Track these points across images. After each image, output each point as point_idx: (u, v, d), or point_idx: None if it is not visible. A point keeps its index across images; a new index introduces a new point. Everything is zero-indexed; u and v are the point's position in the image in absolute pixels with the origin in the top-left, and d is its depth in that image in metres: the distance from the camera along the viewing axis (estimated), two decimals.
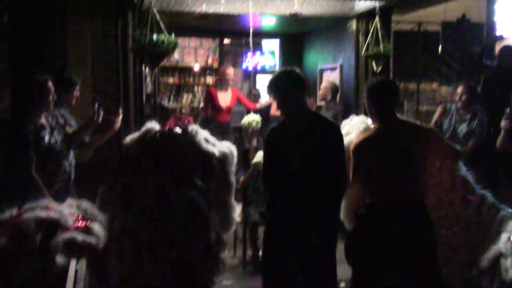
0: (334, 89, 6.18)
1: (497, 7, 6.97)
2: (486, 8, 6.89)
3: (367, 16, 6.14)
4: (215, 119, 6.65)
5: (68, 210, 2.45)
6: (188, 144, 3.18)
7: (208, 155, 3.15)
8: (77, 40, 5.14)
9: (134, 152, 3.20)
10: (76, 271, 1.67)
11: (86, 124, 4.23)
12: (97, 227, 2.36)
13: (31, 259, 2.06)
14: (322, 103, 6.41)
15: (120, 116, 4.33)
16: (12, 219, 2.29)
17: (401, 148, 3.13)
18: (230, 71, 6.84)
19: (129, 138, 3.34)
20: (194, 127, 3.28)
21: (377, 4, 5.66)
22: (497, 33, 7.13)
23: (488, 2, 6.89)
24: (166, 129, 3.27)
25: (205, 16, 6.45)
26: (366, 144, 3.20)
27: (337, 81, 6.71)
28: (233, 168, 3.34)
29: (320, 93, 6.22)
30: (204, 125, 3.59)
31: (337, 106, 6.13)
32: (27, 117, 3.69)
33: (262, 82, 9.66)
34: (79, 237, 2.23)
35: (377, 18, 5.83)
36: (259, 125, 5.80)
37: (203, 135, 3.28)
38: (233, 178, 3.33)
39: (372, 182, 3.21)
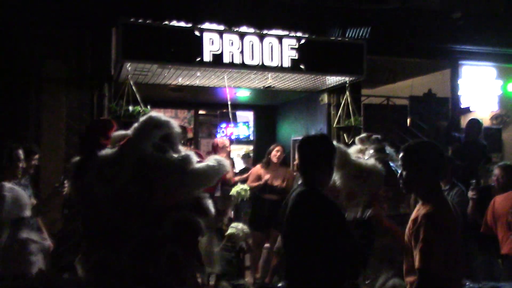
0: None
1: (460, 82, 7.33)
2: (450, 84, 7.24)
3: (338, 90, 6.36)
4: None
5: None
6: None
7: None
8: (52, 109, 5.18)
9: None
10: None
11: (51, 195, 4.20)
12: None
13: None
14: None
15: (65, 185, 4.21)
16: None
17: None
18: (227, 142, 6.70)
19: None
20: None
21: (347, 79, 5.89)
22: (462, 106, 7.44)
23: (451, 78, 7.24)
24: None
25: (180, 89, 6.59)
26: None
27: None
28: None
29: (297, 163, 6.25)
30: None
31: None
32: None
33: (237, 152, 9.75)
34: None
35: (347, 92, 6.04)
36: (248, 193, 5.76)
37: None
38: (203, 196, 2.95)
39: None
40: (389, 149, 3.74)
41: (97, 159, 2.67)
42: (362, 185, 3.55)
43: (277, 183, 6.21)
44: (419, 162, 2.64)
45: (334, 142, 3.39)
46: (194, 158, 2.78)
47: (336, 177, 3.52)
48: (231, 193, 5.72)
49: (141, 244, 2.58)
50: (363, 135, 3.80)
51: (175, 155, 2.75)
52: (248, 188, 5.73)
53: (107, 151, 2.72)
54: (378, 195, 3.67)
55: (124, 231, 2.62)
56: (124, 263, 2.57)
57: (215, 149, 6.41)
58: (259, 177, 6.29)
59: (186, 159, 2.72)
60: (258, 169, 6.51)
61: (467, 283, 3.43)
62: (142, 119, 2.80)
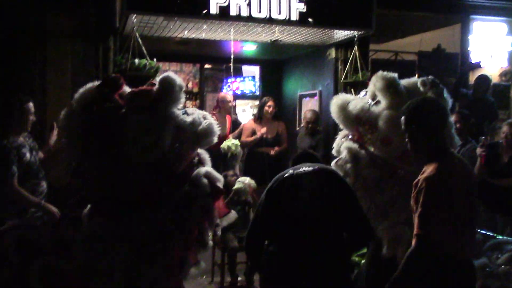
0: (318, 117, 6.29)
1: (471, 37, 7.19)
2: (460, 39, 7.11)
3: (345, 44, 6.26)
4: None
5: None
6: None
7: None
8: (57, 63, 5.12)
9: None
10: None
11: (58, 150, 4.23)
12: None
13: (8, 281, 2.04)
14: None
15: (54, 132, 4.18)
16: None
17: None
18: (230, 97, 6.73)
19: None
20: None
21: (355, 33, 5.79)
22: (473, 61, 7.31)
23: (462, 33, 7.11)
24: None
25: (186, 42, 6.50)
26: None
27: (316, 108, 6.79)
28: None
29: (308, 120, 6.26)
30: None
31: (318, 133, 6.23)
32: (8, 136, 3.68)
33: (242, 107, 9.72)
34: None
35: (355, 47, 5.95)
36: (238, 149, 5.79)
37: None
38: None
39: None
40: (446, 93, 3.57)
41: (130, 125, 2.68)
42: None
43: (270, 135, 6.35)
44: (422, 120, 2.58)
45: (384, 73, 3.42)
46: (201, 120, 2.87)
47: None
48: (221, 146, 5.72)
49: (179, 202, 2.76)
50: (424, 78, 3.57)
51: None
52: (238, 143, 5.76)
53: (138, 117, 2.71)
54: None
55: (161, 194, 2.75)
56: (123, 231, 2.64)
57: (218, 103, 6.39)
58: (253, 132, 6.35)
59: (196, 122, 2.83)
60: (251, 123, 6.58)
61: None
62: (167, 82, 2.79)
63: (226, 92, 7.54)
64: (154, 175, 2.74)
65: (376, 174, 3.44)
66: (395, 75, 3.50)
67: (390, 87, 3.40)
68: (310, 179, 2.90)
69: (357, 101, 3.65)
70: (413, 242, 2.45)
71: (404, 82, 3.58)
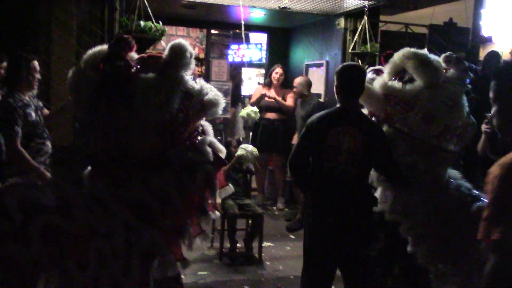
0: (309, 83, 6.23)
1: (483, 11, 7.05)
2: (472, 12, 6.98)
3: (355, 14, 6.16)
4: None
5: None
6: None
7: None
8: (62, 22, 5.06)
9: None
10: None
11: (63, 108, 4.22)
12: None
13: (9, 238, 2.04)
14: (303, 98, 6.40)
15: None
16: None
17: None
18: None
19: None
20: None
21: (366, 3, 5.68)
22: (485, 35, 7.16)
23: (475, 7, 6.97)
24: None
25: (193, 6, 6.40)
26: None
27: (323, 78, 6.73)
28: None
29: (296, 89, 6.23)
30: None
31: (313, 99, 6.18)
32: (13, 94, 3.66)
33: (248, 75, 9.64)
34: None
35: (365, 17, 5.85)
36: (258, 115, 5.79)
37: None
38: None
39: None
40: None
41: (140, 83, 2.69)
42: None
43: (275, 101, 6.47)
44: None
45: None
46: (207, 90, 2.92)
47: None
48: (240, 114, 5.75)
49: (182, 167, 2.77)
50: (448, 53, 3.50)
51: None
52: (257, 110, 5.75)
53: (148, 77, 2.72)
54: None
55: (164, 157, 2.77)
56: (123, 193, 2.67)
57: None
58: (261, 96, 6.46)
59: (203, 90, 2.88)
60: (260, 89, 6.70)
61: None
62: (178, 48, 2.79)
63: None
64: (160, 137, 2.75)
65: (413, 160, 3.38)
66: (425, 51, 3.43)
67: (425, 65, 3.32)
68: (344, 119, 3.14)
69: (380, 80, 3.54)
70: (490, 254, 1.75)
71: None
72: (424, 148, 3.37)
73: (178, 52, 2.79)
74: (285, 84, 6.84)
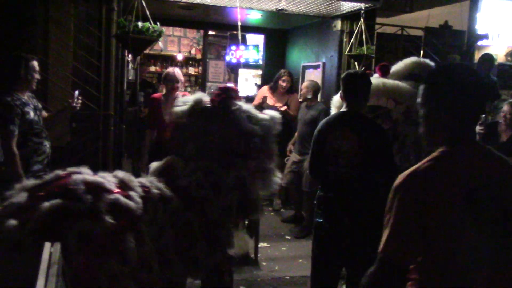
0: (316, 88, 6.20)
1: (479, 15, 7.10)
2: (468, 16, 7.02)
3: (352, 16, 6.19)
4: None
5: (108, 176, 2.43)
6: (231, 122, 3.11)
7: (251, 135, 3.13)
8: (60, 22, 5.07)
9: (182, 126, 3.15)
10: (50, 254, 1.65)
11: (63, 109, 4.26)
12: (135, 196, 2.33)
13: (82, 218, 2.05)
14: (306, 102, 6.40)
15: (76, 101, 4.25)
16: (60, 180, 2.25)
17: None
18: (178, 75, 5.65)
19: (179, 110, 3.23)
20: (238, 104, 3.21)
21: (362, 6, 5.71)
22: (480, 33, 7.19)
23: (470, 10, 7.02)
24: (212, 103, 3.17)
25: (190, 7, 6.42)
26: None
27: (319, 79, 6.75)
28: (274, 136, 3.36)
29: (302, 92, 6.25)
30: None
31: (319, 105, 6.14)
32: (12, 93, 3.68)
33: (245, 76, 9.68)
34: (122, 200, 2.21)
35: (362, 20, 5.88)
36: None
37: (246, 110, 3.22)
38: (274, 147, 3.36)
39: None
40: None
41: None
42: None
43: (278, 105, 6.39)
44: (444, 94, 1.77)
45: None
46: None
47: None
48: None
49: None
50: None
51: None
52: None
53: None
54: None
55: None
56: None
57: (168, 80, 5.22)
58: (263, 98, 6.42)
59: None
60: (264, 91, 6.65)
61: None
62: None
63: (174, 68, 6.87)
64: None
65: None
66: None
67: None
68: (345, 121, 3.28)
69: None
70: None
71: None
72: None
73: None
74: (292, 88, 6.77)
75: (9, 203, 2.11)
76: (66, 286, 1.68)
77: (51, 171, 3.89)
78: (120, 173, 2.54)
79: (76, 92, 4.26)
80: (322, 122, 3.43)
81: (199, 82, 10.27)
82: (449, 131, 1.76)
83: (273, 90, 6.60)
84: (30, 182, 2.28)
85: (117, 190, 2.29)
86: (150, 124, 5.19)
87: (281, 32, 8.34)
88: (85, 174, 2.34)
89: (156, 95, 5.34)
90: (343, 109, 3.38)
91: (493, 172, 1.72)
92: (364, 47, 5.91)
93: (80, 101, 4.27)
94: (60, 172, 2.34)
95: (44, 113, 4.06)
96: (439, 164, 1.72)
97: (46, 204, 2.07)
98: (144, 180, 2.66)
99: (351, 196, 3.18)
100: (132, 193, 2.31)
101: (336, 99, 3.93)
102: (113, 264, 2.01)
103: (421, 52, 6.77)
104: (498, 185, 1.69)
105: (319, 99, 6.28)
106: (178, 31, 10.75)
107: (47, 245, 1.68)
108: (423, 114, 1.82)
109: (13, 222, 1.98)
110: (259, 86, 8.41)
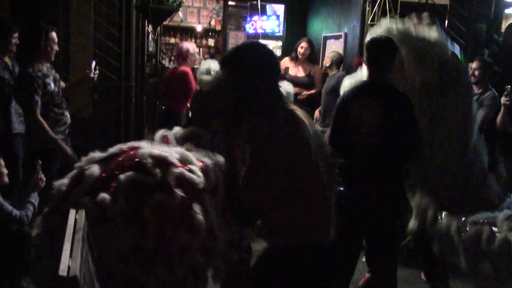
0: (336, 58, 6.12)
1: None
2: None
3: None
4: None
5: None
6: None
7: None
8: None
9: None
10: (75, 220, 1.68)
11: (81, 80, 4.28)
12: (198, 171, 2.35)
13: (155, 191, 2.08)
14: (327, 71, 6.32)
15: (94, 72, 4.23)
16: (127, 154, 2.24)
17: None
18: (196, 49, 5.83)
19: (205, 79, 3.20)
20: None
21: None
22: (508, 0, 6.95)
23: None
24: None
25: None
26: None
27: (341, 50, 6.65)
28: None
29: (324, 62, 6.18)
30: None
31: (339, 73, 6.07)
32: (33, 64, 3.71)
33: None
34: (187, 174, 2.23)
35: None
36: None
37: None
38: None
39: None
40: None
41: None
42: None
43: (300, 75, 6.32)
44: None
45: None
46: None
47: None
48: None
49: None
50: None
51: None
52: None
53: None
54: None
55: None
56: None
57: (183, 54, 5.31)
58: (285, 69, 6.34)
59: None
60: (286, 62, 6.59)
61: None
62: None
63: (190, 42, 6.66)
64: None
65: None
66: None
67: None
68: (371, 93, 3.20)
69: None
70: None
71: None
72: None
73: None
74: (313, 57, 6.70)
75: (89, 174, 2.11)
76: (91, 251, 1.71)
77: (72, 141, 4.04)
78: (176, 147, 2.53)
79: (93, 63, 4.26)
80: (345, 91, 3.37)
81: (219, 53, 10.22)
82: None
83: (295, 60, 6.54)
84: (96, 154, 2.26)
85: (180, 164, 2.29)
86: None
87: (302, 2, 8.21)
88: (148, 148, 2.32)
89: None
90: (367, 78, 3.31)
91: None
92: (388, 17, 5.78)
93: (97, 71, 4.26)
94: (122, 146, 2.33)
95: (62, 84, 4.10)
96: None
97: (122, 176, 2.07)
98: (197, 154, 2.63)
99: (372, 164, 3.15)
100: (192, 167, 2.31)
101: (348, 83, 3.80)
102: (184, 235, 2.02)
103: (446, 22, 6.60)
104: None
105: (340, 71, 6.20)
106: (197, 2, 10.66)
107: (72, 211, 1.71)
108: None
109: (104, 195, 1.97)
110: (279, 58, 8.33)
